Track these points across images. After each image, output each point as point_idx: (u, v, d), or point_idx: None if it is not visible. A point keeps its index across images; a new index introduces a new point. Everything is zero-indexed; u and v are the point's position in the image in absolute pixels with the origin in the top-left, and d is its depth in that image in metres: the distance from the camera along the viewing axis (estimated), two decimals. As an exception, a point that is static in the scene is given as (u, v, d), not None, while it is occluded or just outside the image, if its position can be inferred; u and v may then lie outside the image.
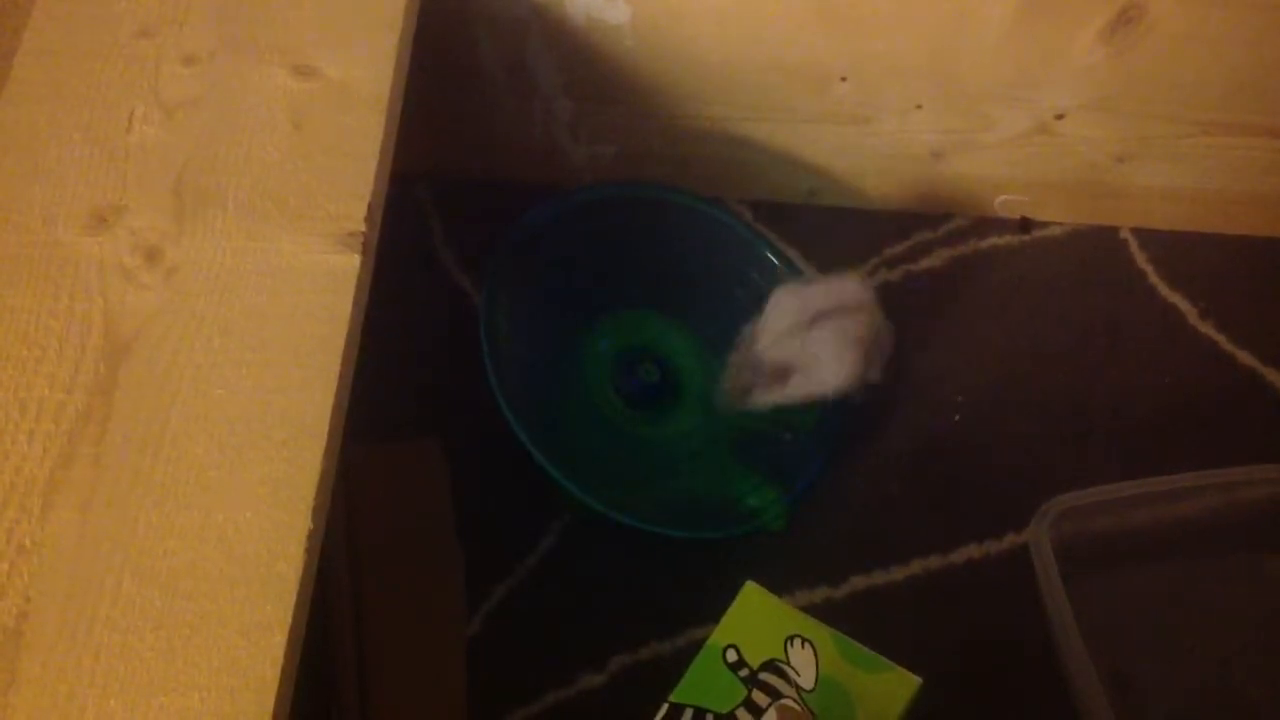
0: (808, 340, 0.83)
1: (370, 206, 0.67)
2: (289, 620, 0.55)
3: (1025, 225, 0.98)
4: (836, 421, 0.87)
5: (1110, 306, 0.94)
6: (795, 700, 0.67)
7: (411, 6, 0.74)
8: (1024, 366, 0.92)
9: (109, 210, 0.66)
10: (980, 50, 0.85)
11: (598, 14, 0.85)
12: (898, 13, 0.84)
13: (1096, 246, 0.97)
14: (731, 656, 0.69)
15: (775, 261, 0.91)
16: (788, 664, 0.68)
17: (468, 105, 0.93)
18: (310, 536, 0.57)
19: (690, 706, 0.67)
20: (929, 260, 0.96)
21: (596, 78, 0.90)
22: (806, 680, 0.68)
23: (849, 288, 0.85)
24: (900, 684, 0.69)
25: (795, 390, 0.83)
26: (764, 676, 0.68)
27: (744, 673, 0.68)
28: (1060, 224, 0.98)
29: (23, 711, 0.53)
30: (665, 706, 0.67)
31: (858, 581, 0.84)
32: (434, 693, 0.78)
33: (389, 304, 0.71)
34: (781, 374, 0.84)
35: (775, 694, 0.68)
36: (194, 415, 0.60)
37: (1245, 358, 0.92)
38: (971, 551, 0.85)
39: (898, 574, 0.84)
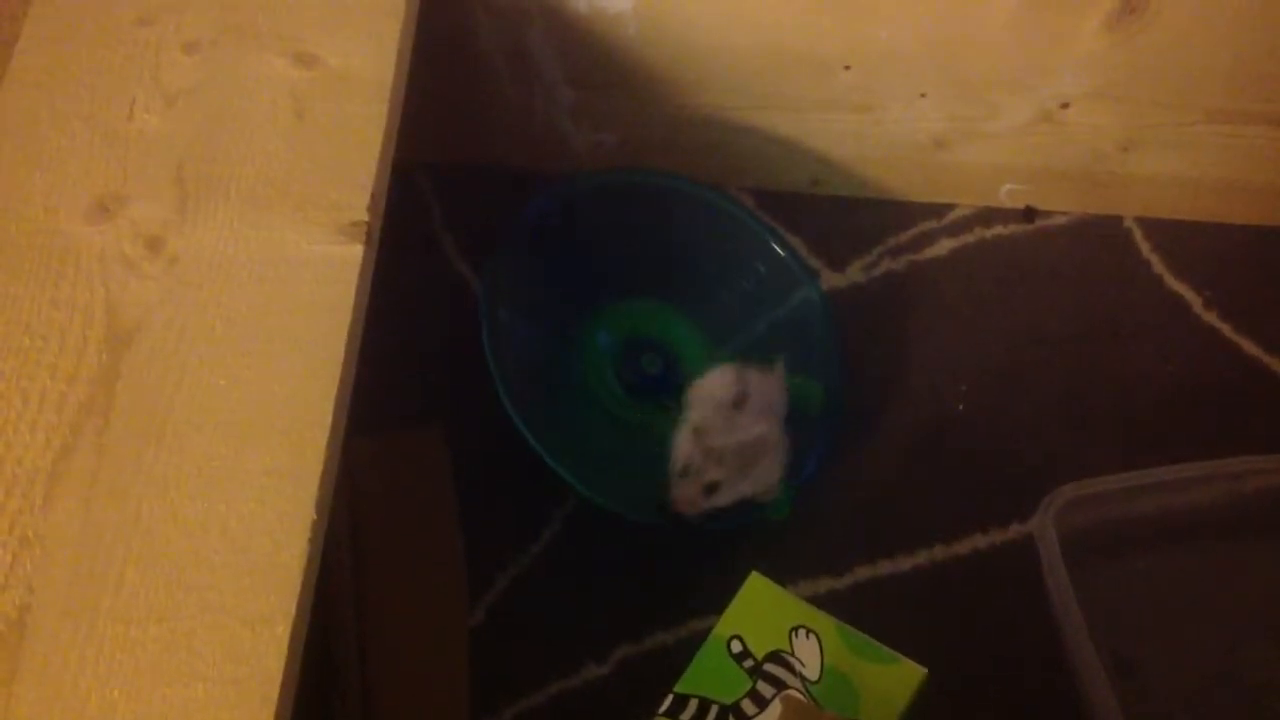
0: (739, 423, 0.81)
1: (373, 196, 0.66)
2: (292, 611, 0.55)
3: (1030, 214, 0.97)
4: (840, 410, 0.86)
5: (1114, 296, 0.94)
6: (800, 691, 0.67)
7: (413, -6, 0.74)
8: (1028, 355, 0.92)
9: (110, 199, 0.66)
10: (985, 38, 0.85)
11: (599, 1, 0.85)
12: (901, 0, 0.83)
13: (1101, 235, 0.97)
14: (736, 647, 0.68)
15: (780, 251, 0.90)
16: (793, 655, 0.68)
17: (469, 93, 0.93)
18: (314, 527, 0.57)
19: (695, 697, 0.67)
20: (933, 249, 0.96)
21: (598, 65, 0.89)
22: (811, 671, 0.68)
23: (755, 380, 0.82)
24: (906, 675, 0.69)
25: (762, 473, 0.80)
26: (769, 667, 0.68)
27: (749, 663, 0.68)
28: (1065, 213, 0.97)
29: (26, 702, 0.53)
30: (670, 697, 0.67)
31: (862, 572, 0.83)
32: (436, 682, 0.78)
33: (389, 291, 0.71)
34: (750, 457, 0.80)
35: (780, 685, 0.67)
36: (196, 405, 0.60)
37: (1249, 346, 0.92)
38: (976, 541, 0.84)
39: (903, 564, 0.84)
